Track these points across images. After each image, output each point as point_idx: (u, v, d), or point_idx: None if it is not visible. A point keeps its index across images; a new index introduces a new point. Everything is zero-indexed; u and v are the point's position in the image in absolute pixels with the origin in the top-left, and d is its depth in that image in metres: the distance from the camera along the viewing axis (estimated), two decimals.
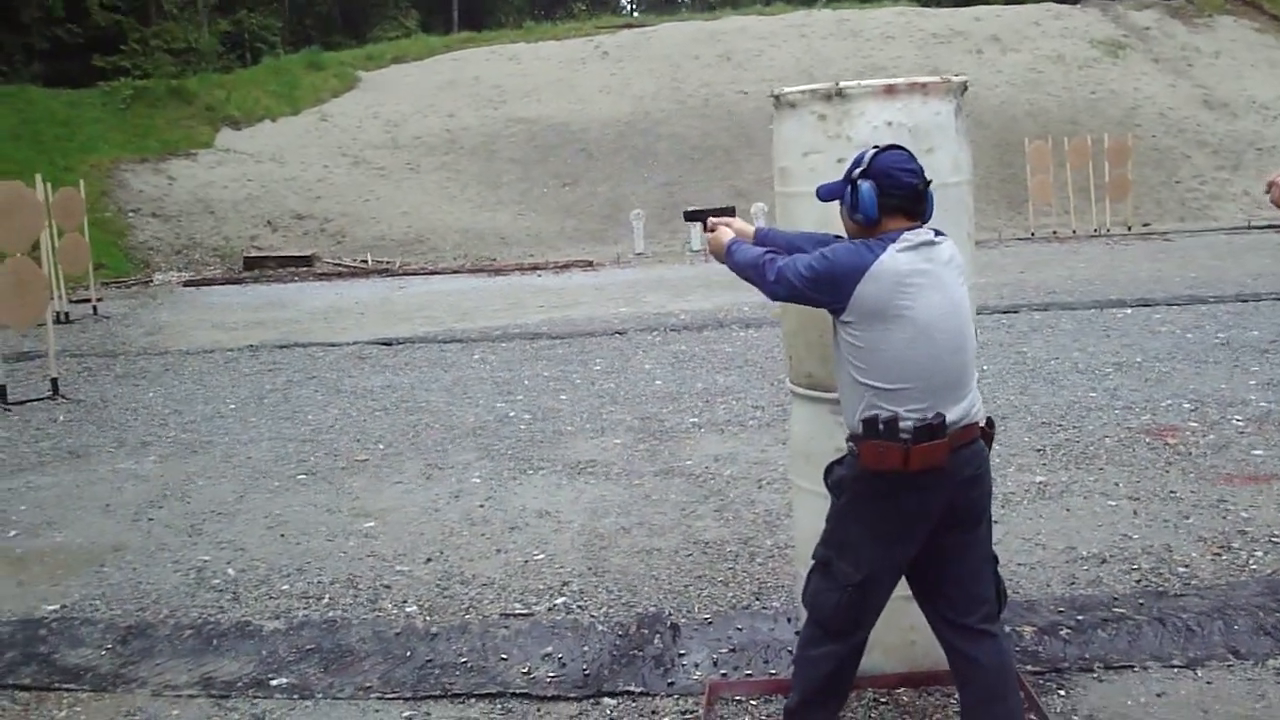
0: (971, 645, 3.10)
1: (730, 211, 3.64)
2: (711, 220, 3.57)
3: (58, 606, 5.01)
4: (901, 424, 2.94)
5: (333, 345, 12.00)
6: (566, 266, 19.35)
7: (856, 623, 3.13)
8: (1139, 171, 21.14)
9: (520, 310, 14.08)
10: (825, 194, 3.19)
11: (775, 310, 3.84)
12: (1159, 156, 23.72)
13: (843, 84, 3.57)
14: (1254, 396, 7.54)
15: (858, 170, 3.06)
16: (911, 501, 3.00)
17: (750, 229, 3.55)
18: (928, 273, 2.98)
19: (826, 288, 3.02)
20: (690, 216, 3.83)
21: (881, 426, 2.96)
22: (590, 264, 19.58)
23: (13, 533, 6.15)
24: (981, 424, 3.10)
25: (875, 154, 3.07)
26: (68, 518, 6.38)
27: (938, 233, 3.08)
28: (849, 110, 3.55)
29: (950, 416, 2.97)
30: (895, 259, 2.97)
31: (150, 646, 4.54)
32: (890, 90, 3.54)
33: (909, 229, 3.03)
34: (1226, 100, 26.20)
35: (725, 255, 3.39)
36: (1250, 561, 4.75)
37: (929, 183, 3.08)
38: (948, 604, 3.13)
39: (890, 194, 3.02)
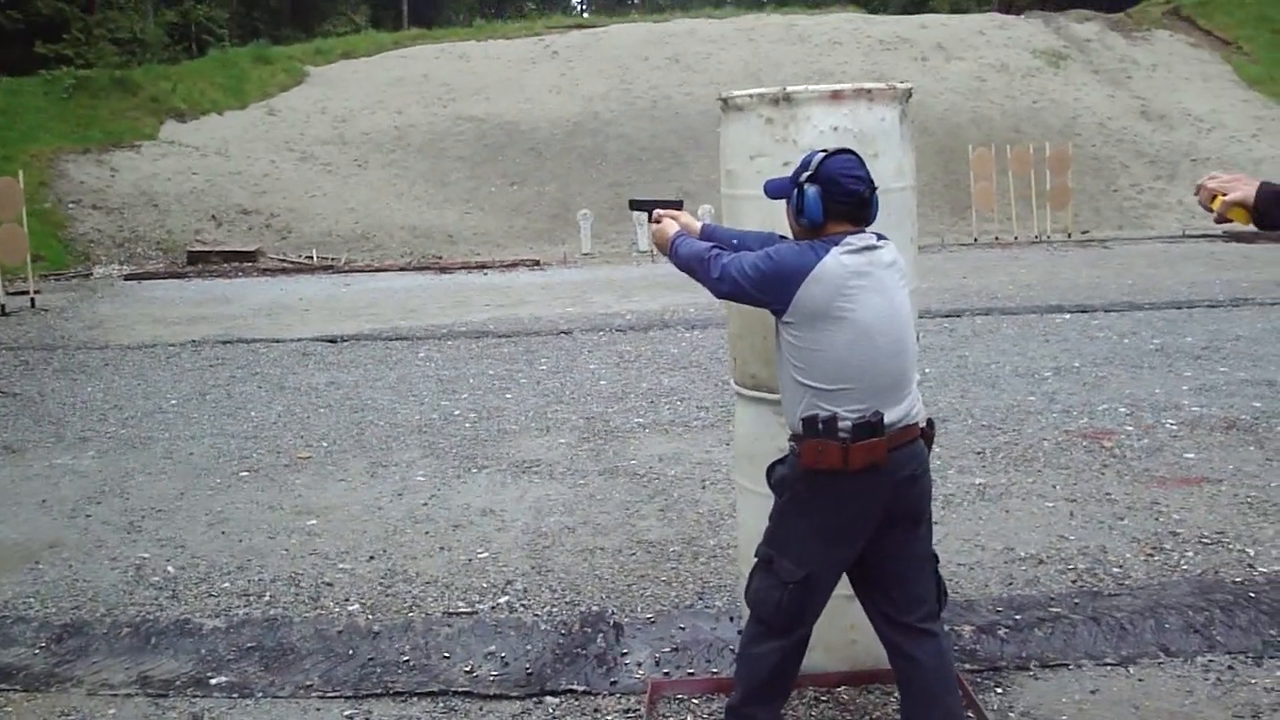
0: (912, 644, 3.15)
1: (678, 205, 3.64)
2: (657, 212, 3.58)
3: None
4: (840, 423, 2.99)
5: (277, 341, 11.88)
6: (513, 265, 19.29)
7: (798, 620, 3.16)
8: (1079, 180, 21.48)
9: (466, 309, 14.02)
10: (773, 191, 3.22)
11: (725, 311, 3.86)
12: (1098, 165, 24.10)
13: (790, 89, 3.61)
14: (1187, 401, 7.69)
15: (805, 175, 3.09)
16: (851, 500, 3.04)
17: (696, 224, 3.56)
18: (869, 276, 3.02)
19: (770, 288, 3.05)
20: (636, 205, 3.81)
21: (821, 425, 3.00)
22: (537, 263, 19.53)
23: None
24: (922, 425, 3.15)
25: (823, 159, 3.09)
26: (2, 513, 6.28)
27: (880, 236, 3.12)
28: (795, 115, 3.58)
29: (889, 417, 3.01)
30: (838, 261, 3.00)
31: (86, 645, 4.49)
32: (836, 96, 3.58)
33: (853, 233, 3.07)
34: (1163, 112, 26.67)
35: (669, 248, 3.40)
36: (1181, 562, 4.86)
37: (875, 189, 3.12)
38: (888, 602, 3.18)
39: (836, 200, 3.05)
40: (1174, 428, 7.05)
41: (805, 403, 3.04)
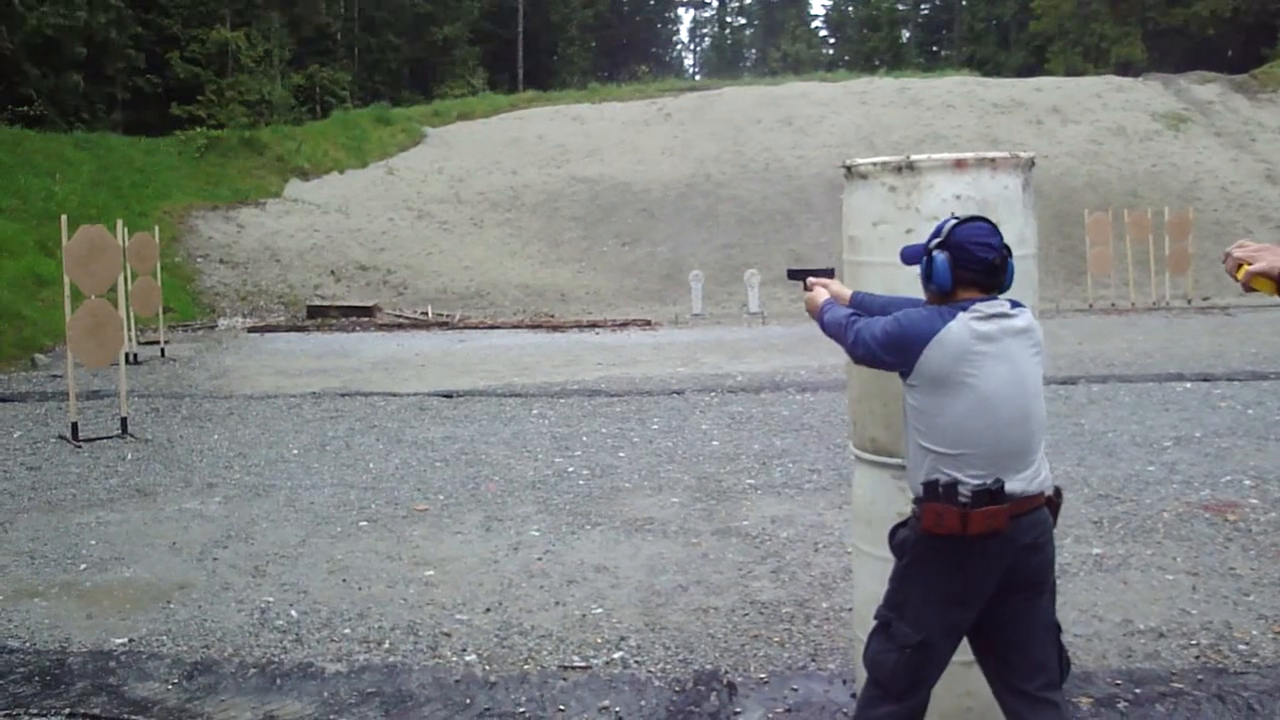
0: (1032, 712, 3.13)
1: (829, 273, 3.76)
2: (810, 280, 3.70)
3: (126, 640, 5.14)
4: (961, 488, 3.01)
5: (394, 395, 12.17)
6: (625, 325, 19.50)
7: (914, 684, 3.16)
8: (1199, 245, 21.05)
9: (579, 367, 14.20)
10: (907, 258, 3.29)
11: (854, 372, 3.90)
12: (1220, 230, 23.55)
13: (913, 157, 3.67)
14: None
15: (935, 241, 3.15)
16: (970, 565, 3.05)
17: (846, 292, 3.64)
18: (997, 343, 3.06)
19: (896, 350, 3.12)
20: (793, 275, 3.94)
21: (941, 490, 3.03)
22: (649, 323, 19.71)
23: (83, 566, 6.31)
24: (1048, 493, 3.15)
25: (955, 225, 3.15)
26: (136, 554, 6.53)
27: (1015, 304, 3.15)
28: (918, 183, 3.64)
29: (1011, 485, 3.02)
30: (966, 327, 3.04)
31: (215, 683, 4.65)
32: (960, 164, 3.63)
33: (984, 299, 3.11)
34: None
35: (818, 314, 3.52)
36: None
37: (1006, 255, 3.15)
38: (1008, 669, 3.17)
39: (965, 267, 3.10)
40: None
41: (927, 466, 3.08)
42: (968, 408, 3.03)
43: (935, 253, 3.13)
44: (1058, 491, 3.21)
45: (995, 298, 3.13)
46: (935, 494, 3.04)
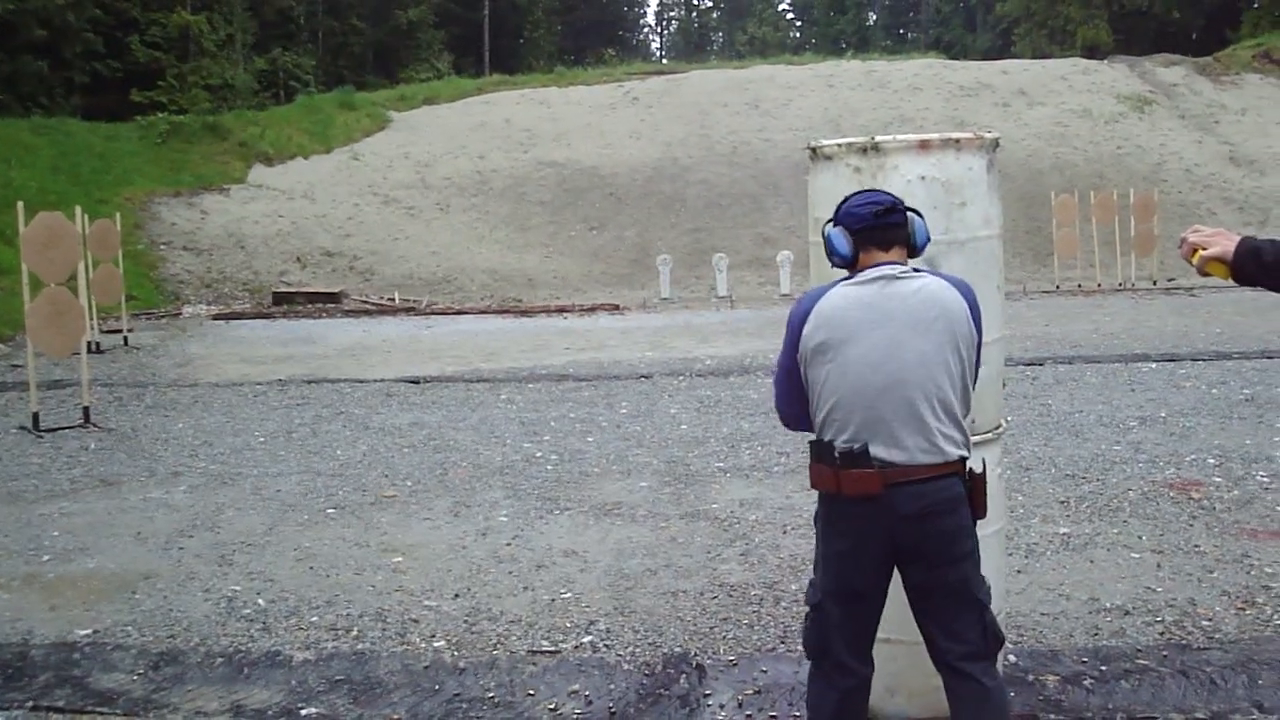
0: (956, 682, 3.09)
1: None
2: None
3: (90, 631, 5.08)
4: (834, 449, 3.04)
5: (360, 382, 12.11)
6: (593, 309, 19.47)
7: (823, 647, 3.16)
8: (1165, 226, 21.19)
9: (547, 352, 14.16)
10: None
11: None
12: (1185, 212, 23.74)
13: (878, 138, 3.66)
14: (1279, 453, 7.54)
15: (827, 221, 3.22)
16: (848, 528, 3.08)
17: None
18: (873, 308, 3.05)
19: (789, 344, 3.16)
20: None
21: (820, 449, 3.09)
22: (617, 308, 19.68)
23: (46, 558, 6.23)
24: (944, 464, 3.03)
25: (841, 202, 3.22)
26: (100, 544, 6.45)
27: (918, 269, 3.15)
28: (883, 164, 3.63)
29: (881, 452, 3.00)
30: (840, 293, 3.09)
31: (181, 673, 4.61)
32: (924, 145, 3.62)
33: (888, 263, 3.11)
34: (1253, 157, 26.26)
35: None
36: (1275, 616, 4.76)
37: (894, 210, 3.13)
38: (928, 638, 3.16)
39: (853, 230, 3.14)
40: (1265, 479, 6.91)
41: (817, 428, 3.14)
42: (837, 371, 3.04)
43: (827, 228, 3.20)
44: (969, 471, 3.09)
45: (898, 261, 3.13)
46: (816, 453, 3.10)
